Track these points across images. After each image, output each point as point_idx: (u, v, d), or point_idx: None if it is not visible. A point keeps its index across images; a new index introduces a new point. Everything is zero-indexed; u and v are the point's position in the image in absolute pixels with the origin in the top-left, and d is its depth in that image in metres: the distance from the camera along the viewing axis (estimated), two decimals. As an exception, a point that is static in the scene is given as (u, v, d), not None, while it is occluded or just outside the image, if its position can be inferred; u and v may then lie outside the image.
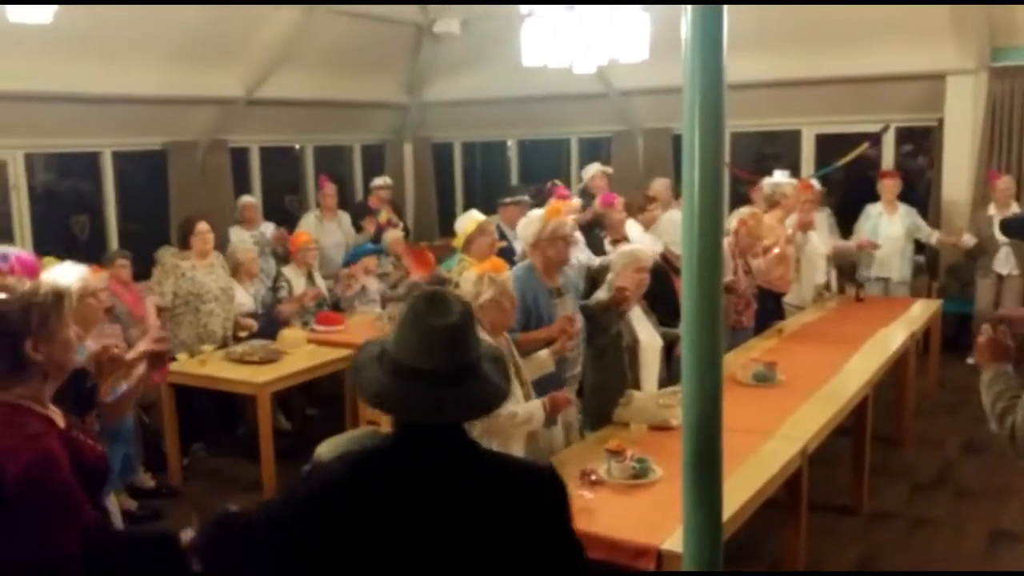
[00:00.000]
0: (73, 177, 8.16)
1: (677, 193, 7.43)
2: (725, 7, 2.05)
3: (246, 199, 8.01)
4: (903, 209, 7.58)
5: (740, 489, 3.10)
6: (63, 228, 7.67)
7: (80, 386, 2.49)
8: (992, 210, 7.29)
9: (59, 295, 2.12)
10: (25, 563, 1.99)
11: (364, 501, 1.63)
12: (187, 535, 2.06)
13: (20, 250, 3.64)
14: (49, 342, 2.08)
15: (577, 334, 3.98)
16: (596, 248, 6.32)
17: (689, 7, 2.07)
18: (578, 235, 6.03)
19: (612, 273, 4.27)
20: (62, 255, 5.42)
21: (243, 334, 5.74)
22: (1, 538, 1.97)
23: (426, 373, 1.66)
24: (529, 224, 4.15)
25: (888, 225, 7.52)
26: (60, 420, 2.17)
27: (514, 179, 10.33)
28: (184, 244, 5.89)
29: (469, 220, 5.33)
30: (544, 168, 10.24)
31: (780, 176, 6.65)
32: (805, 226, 6.21)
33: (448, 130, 10.47)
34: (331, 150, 10.04)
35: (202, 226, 5.82)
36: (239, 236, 7.57)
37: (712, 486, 2.31)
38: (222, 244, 6.83)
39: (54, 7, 2.95)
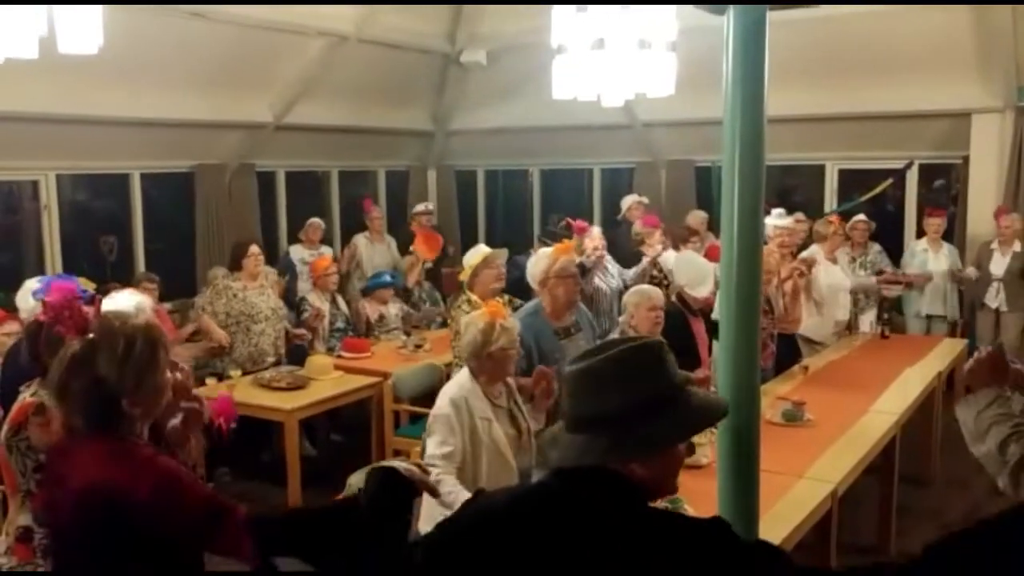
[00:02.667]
0: (102, 198, 8.27)
1: (715, 228, 7.46)
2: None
3: (313, 220, 8.22)
4: (947, 247, 7.60)
5: (772, 532, 3.09)
6: (92, 248, 7.76)
7: None
8: (994, 245, 7.33)
9: (154, 345, 2.03)
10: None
11: (517, 536, 1.61)
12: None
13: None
14: (145, 395, 2.02)
15: (553, 391, 3.58)
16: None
17: (731, 41, 2.10)
18: (609, 262, 6.13)
19: (625, 313, 4.27)
20: (91, 275, 5.51)
21: (303, 341, 6.10)
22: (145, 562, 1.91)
23: (568, 416, 1.67)
24: (538, 262, 4.17)
25: (934, 262, 7.54)
26: None
27: (536, 207, 10.40)
28: (236, 266, 6.06)
29: (476, 253, 5.38)
30: (566, 197, 10.32)
31: (774, 215, 6.55)
32: (808, 264, 6.14)
33: (471, 158, 10.54)
34: (355, 175, 10.15)
35: (254, 248, 6.05)
36: (299, 254, 7.89)
37: (748, 529, 2.32)
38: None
39: (100, 39, 3.00)
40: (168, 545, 1.92)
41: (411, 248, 7.78)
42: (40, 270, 7.18)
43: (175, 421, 2.55)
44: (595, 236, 6.18)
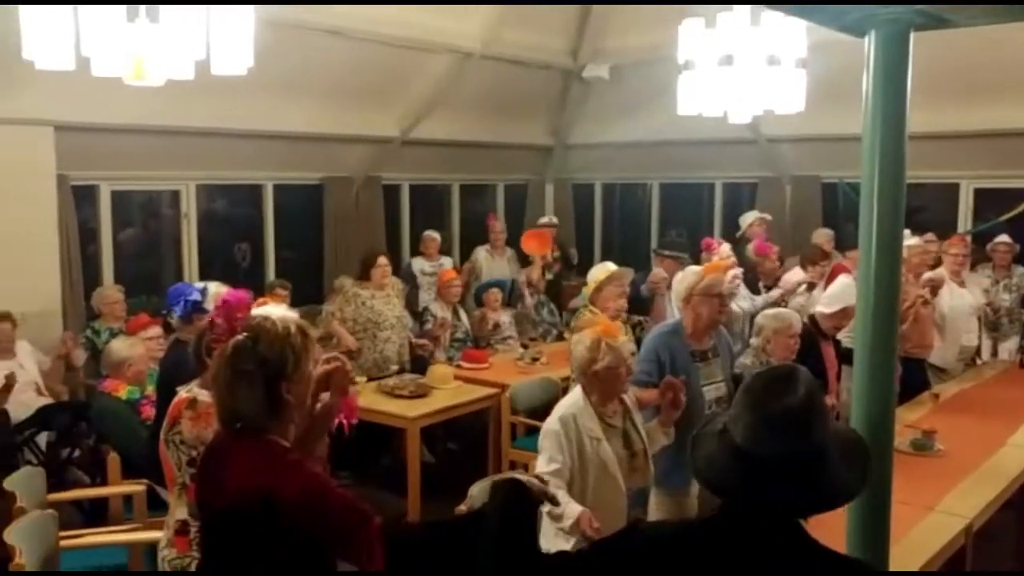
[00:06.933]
0: (236, 206, 8.65)
1: (841, 247, 7.22)
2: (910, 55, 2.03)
3: (428, 233, 8.50)
4: None
5: (900, 566, 2.99)
6: (226, 255, 8.13)
7: None
8: None
9: (306, 334, 2.16)
10: None
11: (679, 572, 1.58)
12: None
13: (219, 287, 3.91)
14: (298, 382, 2.12)
15: (681, 403, 3.49)
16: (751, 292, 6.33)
17: (872, 60, 2.05)
18: (740, 285, 6.03)
19: (760, 337, 4.17)
20: (224, 282, 5.76)
21: (407, 359, 6.17)
22: (295, 566, 1.99)
23: (757, 458, 1.55)
24: (684, 278, 4.09)
25: None
26: None
27: (654, 221, 10.32)
28: (364, 275, 6.26)
29: (602, 269, 5.39)
30: (685, 212, 10.19)
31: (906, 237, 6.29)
32: (934, 285, 5.90)
33: (590, 171, 10.55)
34: (476, 189, 10.32)
35: (382, 259, 6.26)
36: (420, 265, 8.21)
37: (878, 562, 2.25)
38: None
39: (251, 61, 3.18)
40: (310, 547, 1.99)
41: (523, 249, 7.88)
42: (178, 276, 7.57)
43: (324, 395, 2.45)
44: (724, 254, 6.07)
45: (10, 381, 5.54)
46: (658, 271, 5.92)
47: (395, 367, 6.14)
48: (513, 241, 9.16)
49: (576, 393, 3.53)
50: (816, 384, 1.61)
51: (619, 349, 3.43)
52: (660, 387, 3.52)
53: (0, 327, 5.82)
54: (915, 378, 5.58)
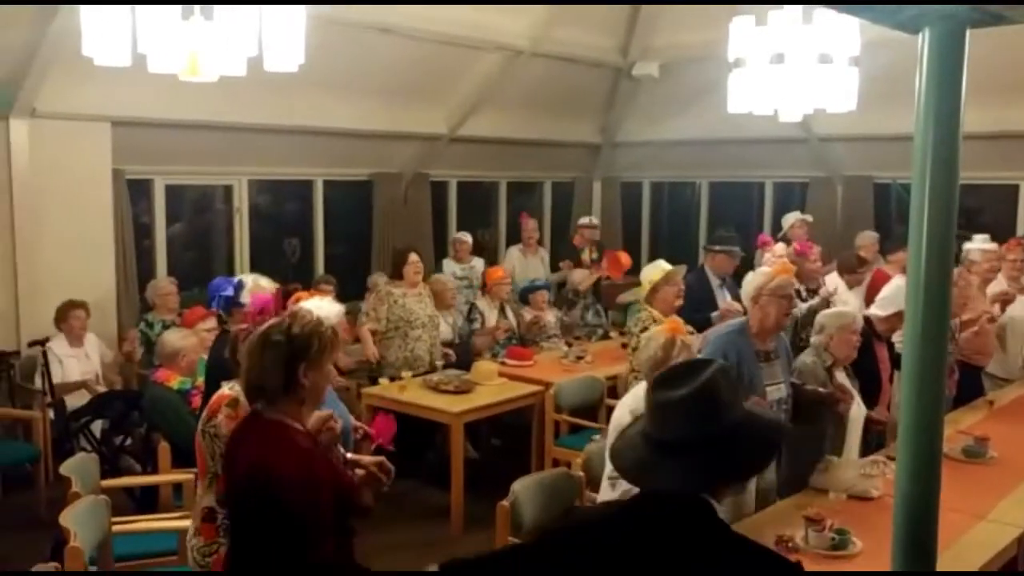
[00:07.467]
0: (287, 202, 8.76)
1: (884, 251, 7.10)
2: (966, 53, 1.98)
3: (459, 235, 8.43)
4: None
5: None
6: (276, 249, 8.24)
7: None
8: None
9: (335, 332, 2.40)
10: (293, 565, 2.25)
11: (599, 556, 1.67)
12: None
13: (259, 279, 3.96)
14: (316, 371, 2.34)
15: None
16: None
17: (926, 57, 2.01)
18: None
19: (822, 335, 4.11)
20: (274, 276, 5.84)
21: (440, 363, 6.02)
22: (271, 538, 2.22)
23: (658, 442, 1.70)
24: (754, 278, 4.04)
25: None
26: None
27: (703, 221, 10.23)
28: (396, 273, 6.25)
29: (656, 269, 5.31)
30: (734, 211, 10.08)
31: (978, 240, 6.18)
32: (1006, 300, 5.77)
33: (638, 169, 10.49)
34: (523, 186, 10.33)
35: (413, 257, 6.20)
36: (450, 268, 8.05)
37: (925, 570, 2.20)
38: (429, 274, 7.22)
39: (302, 58, 3.23)
40: (303, 529, 2.23)
41: (601, 263, 7.81)
42: (229, 270, 7.70)
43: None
44: (778, 252, 5.99)
45: (90, 388, 5.76)
46: (732, 304, 5.77)
47: (425, 367, 6.07)
48: (557, 239, 9.16)
49: (643, 390, 3.52)
50: (723, 376, 1.72)
51: (691, 348, 3.54)
52: None
53: (75, 313, 6.09)
54: (970, 386, 5.47)
